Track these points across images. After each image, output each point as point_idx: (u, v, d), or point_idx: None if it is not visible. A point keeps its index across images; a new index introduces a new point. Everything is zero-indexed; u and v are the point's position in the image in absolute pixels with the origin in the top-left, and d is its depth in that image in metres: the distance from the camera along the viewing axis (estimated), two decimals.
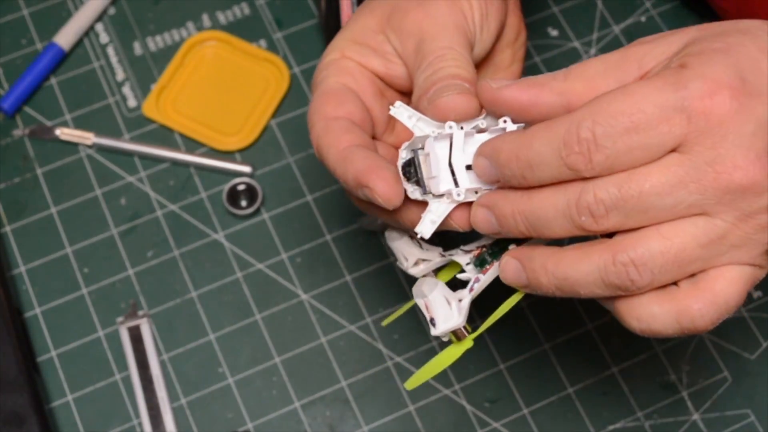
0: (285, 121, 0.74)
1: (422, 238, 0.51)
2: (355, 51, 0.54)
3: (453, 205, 0.48)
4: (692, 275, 0.45)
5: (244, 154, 0.73)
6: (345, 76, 0.53)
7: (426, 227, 0.48)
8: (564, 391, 0.67)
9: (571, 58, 0.75)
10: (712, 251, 0.44)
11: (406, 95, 0.55)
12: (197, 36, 0.76)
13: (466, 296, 0.50)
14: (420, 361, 0.68)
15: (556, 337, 0.68)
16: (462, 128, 0.48)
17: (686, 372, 0.68)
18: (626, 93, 0.43)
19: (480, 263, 0.51)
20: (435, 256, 0.53)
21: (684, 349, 0.68)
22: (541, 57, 0.75)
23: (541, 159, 0.44)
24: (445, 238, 0.52)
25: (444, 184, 0.48)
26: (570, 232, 0.45)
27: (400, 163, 0.49)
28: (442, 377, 0.67)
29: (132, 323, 0.68)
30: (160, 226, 0.71)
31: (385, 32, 0.53)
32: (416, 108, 0.50)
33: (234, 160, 0.72)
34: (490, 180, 0.47)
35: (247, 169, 0.72)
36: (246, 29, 0.76)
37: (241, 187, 0.71)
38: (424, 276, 0.53)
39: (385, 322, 0.57)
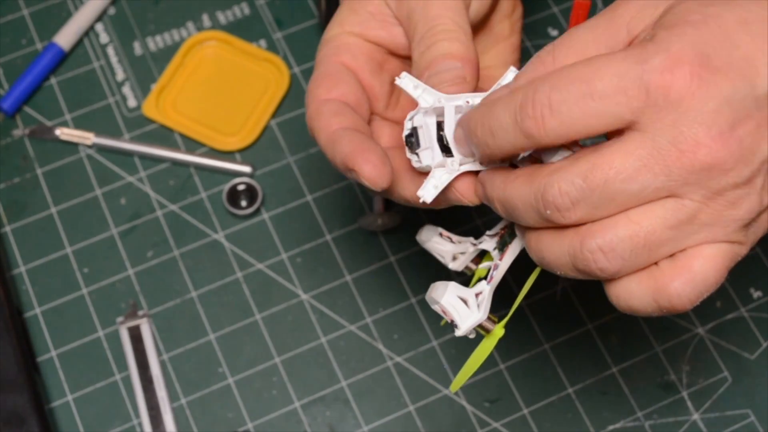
0: (285, 121, 0.74)
1: (445, 235, 0.52)
2: (355, 22, 0.53)
3: (453, 174, 0.48)
4: (672, 255, 0.44)
5: (244, 154, 0.73)
6: (343, 54, 0.53)
7: (428, 191, 0.48)
8: (564, 391, 0.67)
9: None
10: (683, 232, 0.44)
11: (410, 60, 0.54)
12: (197, 36, 0.76)
13: (485, 288, 0.49)
14: (420, 361, 0.68)
15: (556, 337, 0.68)
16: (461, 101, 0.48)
17: (686, 372, 0.68)
18: (588, 63, 0.43)
19: (501, 246, 0.51)
20: (468, 247, 0.53)
21: (684, 349, 0.68)
22: None
23: (500, 124, 0.44)
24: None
25: (435, 156, 0.48)
26: (540, 223, 0.45)
27: (404, 134, 0.49)
28: (442, 377, 0.67)
29: (132, 323, 0.68)
30: (160, 226, 0.71)
31: None
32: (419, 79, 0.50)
33: (234, 160, 0.72)
34: (467, 152, 0.47)
35: (247, 169, 0.72)
36: (246, 29, 0.76)
37: (241, 187, 0.71)
38: (435, 282, 0.53)
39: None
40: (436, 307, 0.49)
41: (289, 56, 0.76)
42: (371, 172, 0.48)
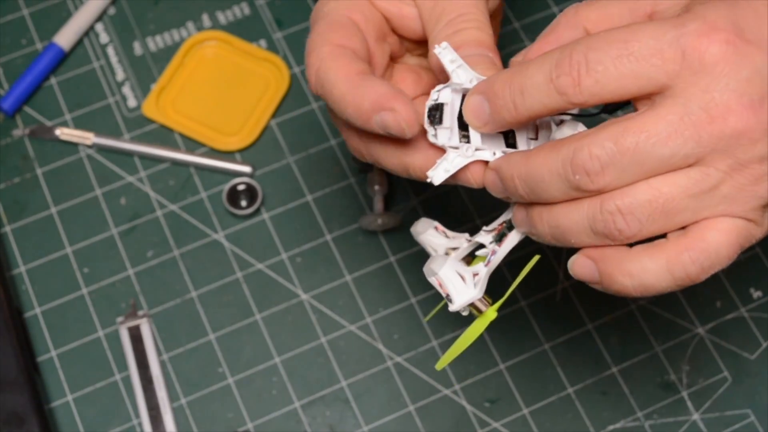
0: (285, 121, 0.74)
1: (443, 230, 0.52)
2: None
3: (467, 161, 0.48)
4: (683, 228, 0.45)
5: (244, 154, 0.73)
6: (354, 12, 0.52)
7: (438, 174, 0.48)
8: (564, 391, 0.67)
9: None
10: (703, 202, 0.44)
11: (410, 40, 0.54)
12: (197, 36, 0.76)
13: (483, 270, 0.50)
14: (420, 361, 0.68)
15: (556, 337, 0.68)
16: None
17: (686, 372, 0.68)
18: (625, 27, 0.43)
19: (499, 238, 0.51)
20: (462, 243, 0.53)
21: (684, 349, 0.68)
22: None
23: (533, 82, 0.44)
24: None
25: (453, 137, 0.48)
26: (566, 194, 0.45)
27: (428, 104, 0.48)
28: (442, 377, 0.67)
29: (132, 323, 0.68)
30: (160, 226, 0.71)
31: None
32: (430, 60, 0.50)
33: (234, 160, 0.72)
34: (483, 119, 0.47)
35: (247, 169, 0.72)
36: (246, 29, 0.76)
37: (241, 187, 0.71)
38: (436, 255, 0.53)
39: (427, 319, 0.56)
40: (432, 279, 0.50)
41: (289, 56, 0.76)
42: (409, 114, 0.47)
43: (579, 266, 0.47)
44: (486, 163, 0.48)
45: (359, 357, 0.68)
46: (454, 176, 0.49)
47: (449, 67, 0.48)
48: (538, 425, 0.66)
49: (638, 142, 0.43)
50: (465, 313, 0.50)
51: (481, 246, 0.52)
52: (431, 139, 0.48)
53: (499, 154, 0.48)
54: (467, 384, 0.67)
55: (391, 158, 0.50)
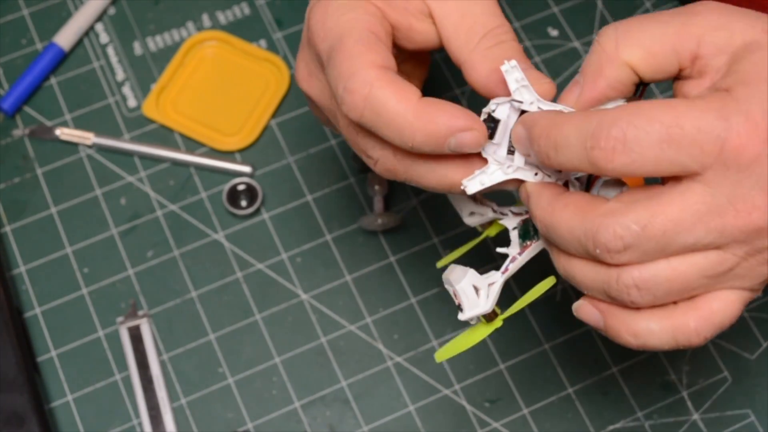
0: (285, 121, 0.74)
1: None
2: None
3: (506, 178, 0.48)
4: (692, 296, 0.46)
5: (244, 154, 0.73)
6: (374, 25, 0.50)
7: (474, 185, 0.49)
8: (564, 391, 0.67)
9: (571, 58, 0.75)
10: (717, 281, 0.45)
11: (404, 51, 0.53)
12: (197, 36, 0.76)
13: (499, 279, 0.50)
14: (420, 361, 0.68)
15: (556, 337, 0.68)
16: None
17: (686, 372, 0.68)
18: (669, 105, 0.43)
19: (524, 234, 0.51)
20: (487, 211, 0.54)
21: (684, 349, 0.68)
22: (541, 57, 0.75)
23: (567, 143, 0.44)
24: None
25: (499, 154, 0.48)
26: (583, 255, 0.46)
27: (483, 116, 0.48)
28: (442, 377, 0.67)
29: (132, 323, 0.68)
30: (160, 226, 0.71)
31: None
32: (460, 65, 0.49)
33: (234, 160, 0.72)
34: (524, 151, 0.47)
35: (247, 169, 0.72)
36: (246, 29, 0.76)
37: (241, 187, 0.71)
38: (479, 232, 0.54)
39: (440, 264, 0.56)
40: (449, 288, 0.50)
41: (289, 56, 0.76)
42: (484, 131, 0.47)
43: (585, 313, 0.49)
44: (521, 181, 0.49)
45: (359, 357, 0.68)
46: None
47: (513, 86, 0.48)
48: (538, 425, 0.66)
49: (666, 231, 0.43)
50: (473, 322, 0.51)
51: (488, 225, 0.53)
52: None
53: (540, 177, 0.48)
54: (467, 384, 0.67)
55: (431, 174, 0.49)
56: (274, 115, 0.74)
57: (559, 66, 0.75)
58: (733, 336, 0.68)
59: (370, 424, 0.66)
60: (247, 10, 0.77)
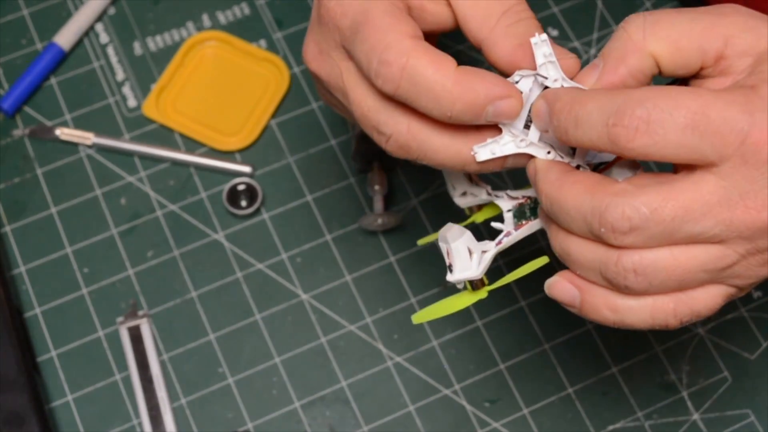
0: (285, 121, 0.74)
1: (470, 176, 0.52)
2: None
3: (516, 151, 0.48)
4: None
5: (244, 154, 0.73)
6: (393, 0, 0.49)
7: (484, 152, 0.48)
8: (564, 391, 0.67)
9: None
10: (713, 275, 0.45)
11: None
12: (197, 36, 0.76)
13: (492, 249, 0.50)
14: (420, 361, 0.68)
15: (556, 337, 0.68)
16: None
17: (686, 372, 0.68)
18: (695, 93, 0.43)
19: (519, 215, 0.51)
20: (482, 193, 0.53)
21: (684, 349, 0.68)
22: None
23: (589, 119, 0.44)
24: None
25: (516, 126, 0.48)
26: (585, 234, 0.46)
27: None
28: (442, 377, 0.67)
29: (132, 323, 0.68)
30: (160, 226, 0.71)
31: None
32: (479, 44, 0.49)
33: (234, 160, 0.72)
34: (542, 126, 0.47)
35: (247, 169, 0.72)
36: (246, 29, 0.76)
37: (241, 187, 0.71)
38: (467, 215, 0.54)
39: (421, 242, 0.56)
40: (443, 245, 0.50)
41: (289, 56, 0.76)
42: (521, 98, 0.47)
43: (559, 290, 0.48)
44: (531, 157, 0.48)
45: (359, 357, 0.68)
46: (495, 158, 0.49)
47: (540, 60, 0.47)
48: (538, 425, 0.66)
49: (675, 217, 0.43)
50: (460, 286, 0.51)
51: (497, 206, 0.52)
52: None
53: (552, 156, 0.48)
54: (467, 384, 0.67)
55: (447, 150, 0.49)
56: (274, 115, 0.74)
57: None
58: (733, 336, 0.68)
59: (370, 424, 0.66)
60: (247, 10, 0.77)
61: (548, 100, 0.46)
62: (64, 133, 0.73)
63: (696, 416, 0.66)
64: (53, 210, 0.71)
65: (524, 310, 0.69)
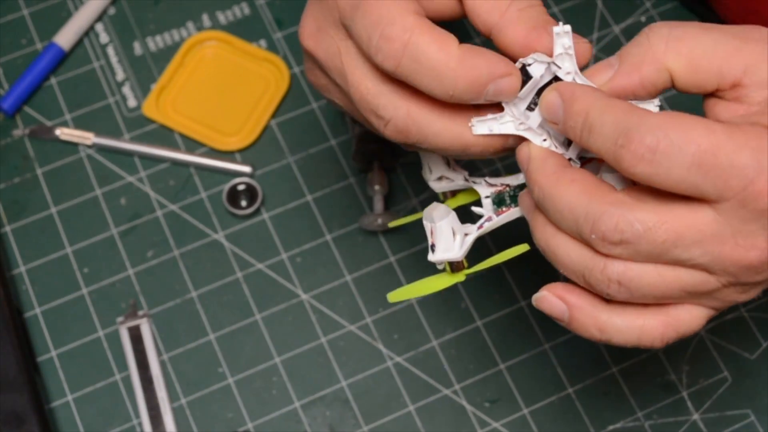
0: (285, 121, 0.74)
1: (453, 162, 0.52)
2: None
3: (514, 133, 0.48)
4: None
5: (244, 154, 0.73)
6: None
7: (481, 128, 0.48)
8: (564, 391, 0.67)
9: None
10: (695, 298, 0.46)
11: None
12: (197, 36, 0.76)
13: (473, 232, 0.50)
14: (420, 361, 0.68)
15: (556, 337, 0.68)
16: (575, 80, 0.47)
17: (686, 372, 0.68)
18: (709, 129, 0.43)
19: (498, 202, 0.51)
20: (459, 178, 0.53)
21: (684, 349, 0.68)
22: None
23: (601, 130, 0.44)
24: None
25: (519, 108, 0.48)
26: (574, 234, 0.46)
27: (518, 64, 0.48)
28: (442, 377, 0.67)
29: (132, 323, 0.68)
30: (160, 226, 0.71)
31: None
32: (489, 29, 0.48)
33: (234, 160, 0.72)
34: (552, 118, 0.47)
35: (247, 169, 0.72)
36: (246, 29, 0.76)
37: (241, 187, 0.71)
38: (441, 201, 0.53)
39: (392, 224, 0.57)
40: (427, 224, 0.50)
41: (289, 56, 0.76)
42: (519, 76, 0.47)
43: (548, 305, 0.48)
44: (523, 140, 0.48)
45: (359, 357, 0.68)
46: (492, 139, 0.49)
47: (558, 51, 0.47)
48: (538, 425, 0.66)
49: (666, 240, 0.43)
50: (440, 267, 0.51)
51: (473, 192, 0.52)
52: None
53: (548, 144, 0.48)
54: (467, 384, 0.67)
55: (447, 133, 0.48)
56: (274, 115, 0.74)
57: None
58: (733, 336, 0.68)
59: (370, 424, 0.66)
60: (247, 10, 0.77)
61: (565, 97, 0.46)
62: (64, 133, 0.73)
63: (696, 416, 0.66)
64: (53, 210, 0.71)
65: (524, 310, 0.69)
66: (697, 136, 0.42)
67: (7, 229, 0.71)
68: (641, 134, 0.43)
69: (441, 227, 0.49)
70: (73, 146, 0.73)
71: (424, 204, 0.71)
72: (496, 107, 0.48)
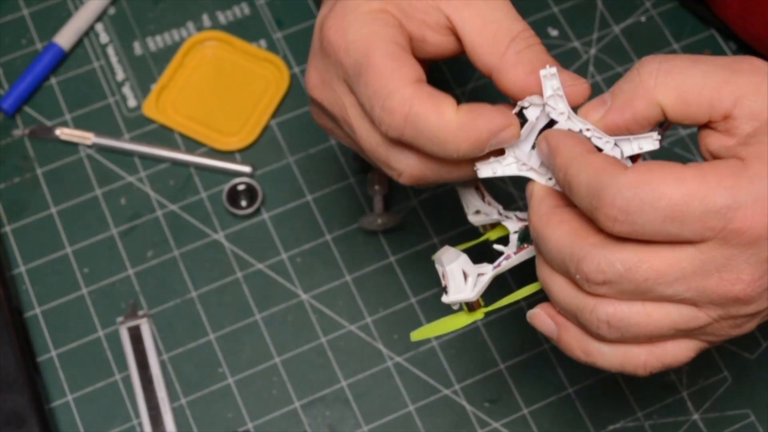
0: (285, 121, 0.74)
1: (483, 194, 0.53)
2: (397, 8, 0.50)
3: (518, 173, 0.49)
4: None
5: (244, 154, 0.73)
6: (398, 35, 0.49)
7: (486, 170, 0.49)
8: (564, 391, 0.67)
9: (571, 58, 0.75)
10: (686, 333, 0.46)
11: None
12: (197, 36, 0.76)
13: (489, 271, 0.51)
14: (420, 361, 0.68)
15: None
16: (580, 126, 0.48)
17: (686, 372, 0.68)
18: (680, 179, 0.43)
19: (523, 238, 0.52)
20: (493, 212, 0.54)
21: None
22: None
23: (578, 190, 0.45)
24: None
25: (521, 150, 0.49)
26: (561, 272, 0.47)
27: (516, 109, 0.48)
28: (442, 377, 0.67)
29: (132, 323, 0.68)
30: (160, 226, 0.71)
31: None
32: (489, 71, 0.49)
33: (234, 160, 0.72)
34: (547, 164, 0.48)
35: (247, 169, 0.72)
36: (246, 29, 0.76)
37: (241, 187, 0.71)
38: (481, 234, 0.55)
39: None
40: (439, 268, 0.51)
41: (289, 56, 0.76)
42: (518, 125, 0.48)
43: (540, 322, 0.50)
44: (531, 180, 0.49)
45: (359, 357, 0.68)
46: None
47: (548, 93, 0.47)
48: (538, 425, 0.66)
49: (647, 278, 0.44)
50: (455, 307, 0.52)
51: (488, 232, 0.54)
52: None
53: (553, 183, 0.49)
54: (467, 384, 0.67)
55: (460, 171, 0.50)
56: (274, 115, 0.74)
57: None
58: None
59: (370, 424, 0.66)
60: (247, 10, 0.77)
61: (550, 147, 0.47)
62: (64, 133, 0.73)
63: (696, 416, 0.67)
64: (53, 210, 0.71)
65: (524, 310, 0.69)
66: (667, 190, 0.43)
67: (7, 229, 0.71)
68: (612, 197, 0.43)
69: (451, 270, 0.50)
70: (73, 146, 0.73)
71: (424, 204, 0.71)
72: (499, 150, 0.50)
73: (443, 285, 0.51)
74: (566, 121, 0.48)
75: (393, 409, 0.67)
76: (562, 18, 0.77)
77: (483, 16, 0.50)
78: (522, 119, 0.48)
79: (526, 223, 0.53)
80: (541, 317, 0.50)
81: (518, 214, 0.54)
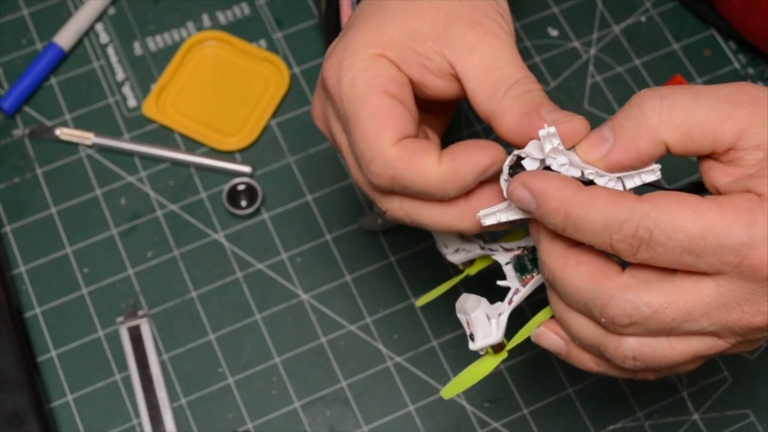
0: (285, 121, 0.74)
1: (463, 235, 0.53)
2: (397, 53, 0.50)
3: (521, 217, 0.49)
4: None
5: (244, 154, 0.73)
6: (390, 84, 0.50)
7: (489, 219, 0.49)
8: (564, 391, 0.67)
9: (571, 58, 0.75)
10: (706, 359, 0.47)
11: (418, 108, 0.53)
12: (197, 36, 0.76)
13: (506, 310, 0.51)
14: (420, 361, 0.68)
15: None
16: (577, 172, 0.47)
17: (686, 372, 0.68)
18: (697, 212, 0.43)
19: (520, 268, 0.52)
20: (474, 248, 0.54)
21: None
22: (541, 57, 0.75)
23: (591, 228, 0.45)
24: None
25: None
26: (583, 312, 0.47)
27: (509, 161, 0.48)
28: (442, 377, 0.67)
29: (132, 323, 0.68)
30: (160, 226, 0.71)
31: (437, 41, 0.50)
32: (488, 117, 0.49)
33: (234, 160, 0.72)
34: (526, 209, 0.47)
35: (247, 169, 0.72)
36: (246, 29, 0.76)
37: (241, 187, 0.71)
38: (461, 271, 0.55)
39: (419, 303, 0.58)
40: (461, 317, 0.51)
41: (289, 56, 0.76)
42: (503, 157, 0.49)
43: (548, 341, 0.51)
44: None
45: (359, 357, 0.68)
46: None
47: (547, 149, 0.47)
48: (538, 425, 0.66)
49: (675, 318, 0.45)
50: (482, 352, 0.52)
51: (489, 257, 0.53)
52: (503, 184, 0.48)
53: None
54: None
55: (443, 220, 0.50)
56: (274, 115, 0.74)
57: (559, 66, 0.75)
58: None
59: (370, 424, 0.66)
60: (247, 10, 0.77)
61: (535, 193, 0.46)
62: (64, 133, 0.73)
63: (696, 416, 0.67)
64: (53, 210, 0.71)
65: (524, 311, 0.69)
66: (685, 224, 0.43)
67: (7, 229, 0.71)
68: (634, 227, 0.44)
69: (477, 317, 0.50)
70: (73, 146, 0.73)
71: None
72: (484, 187, 0.49)
73: (468, 333, 0.51)
74: (567, 170, 0.47)
75: (393, 409, 0.67)
76: (562, 18, 0.77)
77: (486, 63, 0.50)
78: (519, 169, 0.48)
79: (515, 253, 0.52)
80: (547, 336, 0.50)
81: (503, 245, 0.53)
